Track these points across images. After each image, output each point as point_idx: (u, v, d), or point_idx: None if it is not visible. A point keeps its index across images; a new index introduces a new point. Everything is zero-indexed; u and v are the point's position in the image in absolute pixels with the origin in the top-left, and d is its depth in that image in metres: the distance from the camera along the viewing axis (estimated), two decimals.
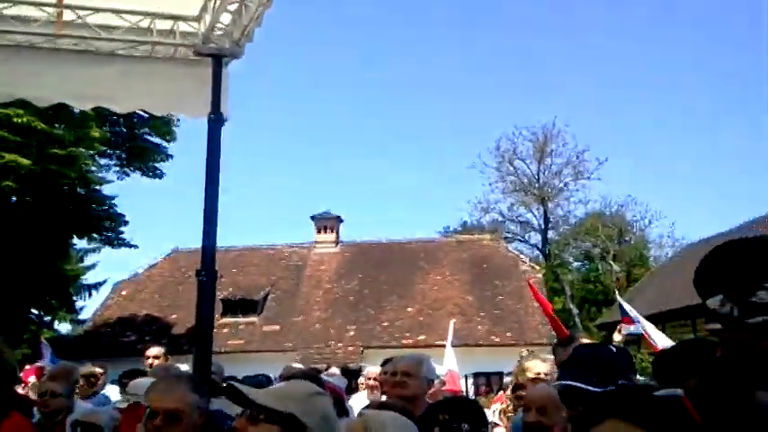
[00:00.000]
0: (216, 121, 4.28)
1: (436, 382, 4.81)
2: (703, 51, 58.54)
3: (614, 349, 2.35)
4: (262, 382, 4.17)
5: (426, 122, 65.84)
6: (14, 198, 18.24)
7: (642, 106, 61.31)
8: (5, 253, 17.23)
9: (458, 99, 62.68)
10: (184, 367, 5.32)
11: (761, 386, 1.40)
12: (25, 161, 16.46)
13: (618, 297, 10.58)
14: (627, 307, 9.80)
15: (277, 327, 23.01)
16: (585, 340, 4.61)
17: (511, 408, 4.59)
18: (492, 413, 5.20)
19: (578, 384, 2.14)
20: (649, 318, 25.31)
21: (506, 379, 7.57)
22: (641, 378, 4.37)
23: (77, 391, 5.58)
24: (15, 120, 16.05)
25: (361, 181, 65.93)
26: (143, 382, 4.71)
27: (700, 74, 59.62)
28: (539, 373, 4.51)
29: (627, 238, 40.52)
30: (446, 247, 27.80)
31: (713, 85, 59.84)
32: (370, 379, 6.36)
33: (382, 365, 4.34)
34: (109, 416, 4.31)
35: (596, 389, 2.08)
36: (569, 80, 61.20)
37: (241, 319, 23.04)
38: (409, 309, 23.53)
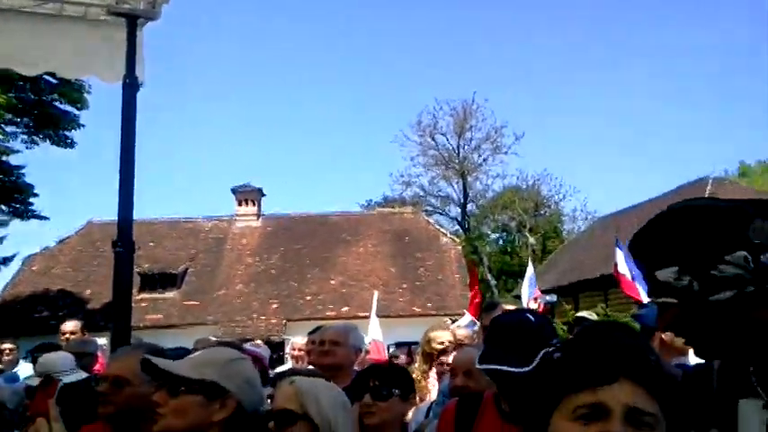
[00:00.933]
0: (131, 86, 4.11)
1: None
2: (620, 27, 60.55)
3: (533, 318, 2.28)
4: (181, 354, 4.11)
5: (349, 95, 65.59)
6: None
7: (561, 81, 62.97)
8: None
9: (381, 71, 62.66)
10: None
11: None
12: None
13: (530, 270, 10.93)
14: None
15: (197, 301, 22.65)
16: (509, 306, 4.74)
17: (420, 377, 4.68)
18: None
19: (501, 367, 2.11)
20: (563, 288, 26.38)
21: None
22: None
23: None
24: None
25: (282, 154, 65.21)
26: (53, 357, 4.58)
27: (613, 50, 61.66)
28: (443, 342, 4.65)
29: (542, 212, 41.83)
30: (368, 220, 27.95)
31: (627, 61, 62.00)
32: (295, 350, 6.40)
33: (310, 334, 4.35)
34: (11, 391, 4.16)
35: (520, 369, 2.04)
36: (490, 54, 62.14)
37: (160, 294, 22.56)
38: (332, 281, 23.60)
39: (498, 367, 2.12)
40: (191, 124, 65.76)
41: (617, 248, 9.54)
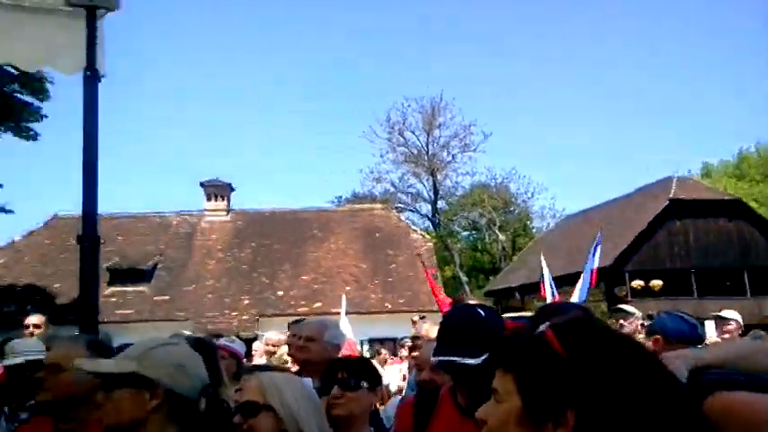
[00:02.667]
0: (92, 77, 4.08)
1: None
2: (590, 27, 61.21)
3: (482, 312, 2.32)
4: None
5: (319, 91, 65.38)
6: None
7: (527, 81, 63.49)
8: None
9: (352, 68, 62.59)
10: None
11: None
12: None
13: (546, 270, 10.44)
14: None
15: (167, 296, 22.45)
16: (471, 302, 4.80)
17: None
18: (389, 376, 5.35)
19: (450, 358, 2.17)
20: (531, 284, 26.57)
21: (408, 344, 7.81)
22: None
23: None
24: None
25: (251, 149, 64.82)
26: (27, 341, 4.55)
27: (583, 50, 62.33)
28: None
29: (511, 209, 42.22)
30: (339, 217, 27.92)
31: (596, 60, 62.73)
32: (268, 345, 6.39)
33: (291, 325, 4.36)
34: None
35: (470, 361, 2.11)
36: (457, 53, 62.43)
37: (129, 288, 22.33)
38: (304, 277, 23.56)
39: (449, 359, 2.18)
40: (160, 119, 65.08)
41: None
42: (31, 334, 5.69)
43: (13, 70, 17.10)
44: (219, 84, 63.91)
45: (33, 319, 6.03)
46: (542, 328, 1.21)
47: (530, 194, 42.01)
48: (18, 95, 19.88)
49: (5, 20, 4.24)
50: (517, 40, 63.22)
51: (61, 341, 2.64)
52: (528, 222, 43.35)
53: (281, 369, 2.80)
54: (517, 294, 30.20)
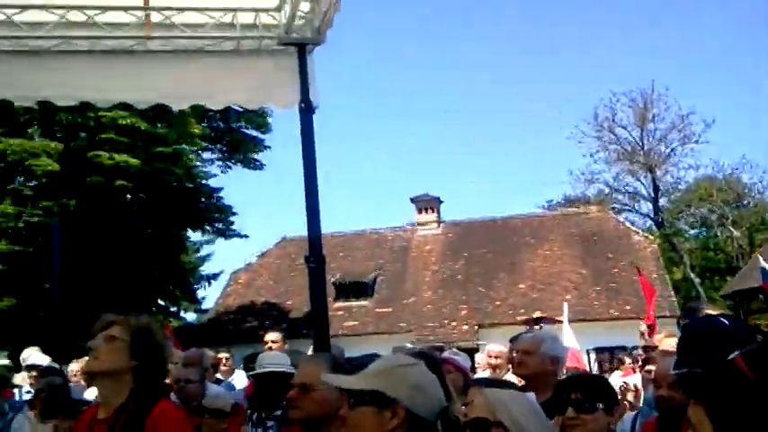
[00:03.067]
0: (306, 110, 4.35)
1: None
2: None
3: (727, 322, 2.17)
4: (364, 362, 4.23)
5: (518, 95, 64.44)
6: (129, 196, 19.35)
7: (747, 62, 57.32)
8: (126, 247, 18.28)
9: (550, 68, 60.90)
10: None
11: None
12: (134, 161, 17.43)
13: (760, 260, 9.55)
14: None
15: (389, 308, 23.30)
16: (710, 311, 4.39)
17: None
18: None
19: (684, 371, 2.06)
20: None
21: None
22: None
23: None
24: (120, 122, 17.02)
25: (456, 161, 65.36)
26: (265, 357, 4.94)
27: None
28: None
29: (745, 202, 38.21)
30: (551, 222, 27.15)
31: None
32: (491, 357, 6.31)
33: (510, 342, 4.31)
34: (234, 400, 4.51)
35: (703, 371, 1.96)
36: (663, 39, 58.04)
37: (354, 303, 23.48)
38: (521, 285, 23.22)
39: (681, 371, 2.08)
40: (370, 141, 68.11)
41: None
42: (270, 349, 6.25)
43: (238, 108, 19.05)
44: (422, 104, 65.57)
45: (271, 335, 6.74)
46: (732, 355, 1.20)
47: (766, 183, 37.79)
48: (244, 130, 22.05)
49: (228, 65, 4.69)
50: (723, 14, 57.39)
51: (308, 361, 2.88)
52: (766, 216, 38.94)
53: (508, 384, 2.73)
54: (761, 296, 27.18)
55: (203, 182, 21.68)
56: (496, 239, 25.57)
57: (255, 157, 22.41)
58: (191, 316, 28.00)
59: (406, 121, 64.60)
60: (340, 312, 22.31)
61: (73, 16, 4.33)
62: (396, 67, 66.47)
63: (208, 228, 22.51)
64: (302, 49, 4.48)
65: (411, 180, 69.29)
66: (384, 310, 23.31)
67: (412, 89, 67.50)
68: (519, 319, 20.54)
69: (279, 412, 4.22)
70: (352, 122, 65.37)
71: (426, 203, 27.45)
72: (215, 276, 25.25)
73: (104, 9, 4.36)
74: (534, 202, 43.74)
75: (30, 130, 17.98)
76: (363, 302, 23.63)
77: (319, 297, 4.27)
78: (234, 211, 22.18)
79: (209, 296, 27.23)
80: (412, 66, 66.05)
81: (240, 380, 6.94)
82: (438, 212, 27.51)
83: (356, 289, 23.80)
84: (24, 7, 4.27)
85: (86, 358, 2.59)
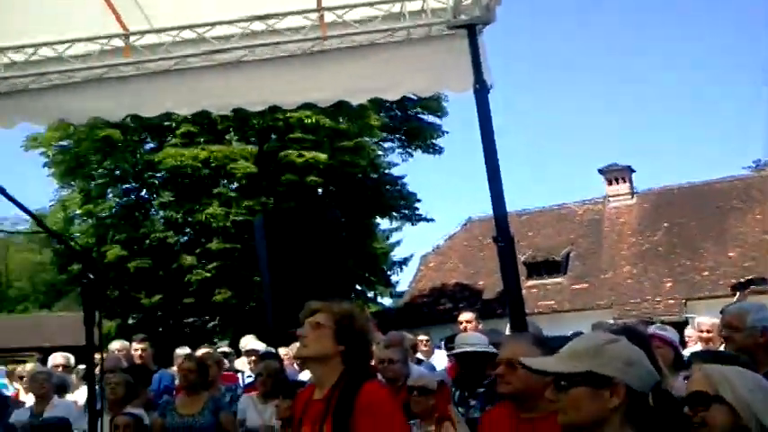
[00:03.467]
0: (481, 90, 4.29)
1: None
2: None
3: None
4: (561, 344, 4.14)
5: (702, 53, 58.94)
6: (320, 191, 20.39)
7: None
8: (323, 238, 19.26)
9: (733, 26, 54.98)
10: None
11: None
12: (322, 156, 18.38)
13: None
14: None
15: (585, 284, 22.57)
16: None
17: None
18: None
19: None
20: None
21: None
22: None
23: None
24: (306, 121, 18.04)
25: (644, 128, 61.44)
26: (465, 337, 5.04)
27: None
28: None
29: None
30: (761, 184, 24.56)
31: None
32: (703, 331, 5.94)
33: (721, 314, 4.03)
34: (441, 379, 4.64)
35: None
36: None
37: (547, 280, 23.04)
38: (731, 254, 21.38)
39: None
40: (551, 115, 66.08)
41: None
42: (465, 329, 6.35)
43: (414, 96, 19.41)
44: (604, 71, 62.20)
45: (465, 316, 6.85)
46: None
47: None
48: (421, 116, 22.43)
49: (400, 55, 4.77)
50: None
51: (513, 338, 3.03)
52: None
53: (734, 358, 2.56)
54: None
55: (386, 171, 22.35)
56: (699, 206, 23.69)
57: (434, 142, 22.74)
58: (386, 301, 28.97)
59: (591, 92, 61.92)
60: (534, 290, 21.99)
61: (255, 26, 4.65)
62: (579, 39, 63.87)
63: (395, 215, 23.15)
64: (472, 30, 4.43)
65: (596, 152, 66.45)
66: (580, 286, 22.61)
67: (598, 61, 64.47)
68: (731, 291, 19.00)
69: (481, 389, 4.27)
70: (527, 97, 63.88)
71: (617, 173, 26.08)
72: (405, 261, 25.90)
73: (282, 15, 4.63)
74: (739, 162, 39.92)
75: (227, 137, 19.58)
76: (557, 279, 23.10)
77: (511, 276, 4.23)
78: (418, 197, 22.65)
79: (402, 281, 28.03)
80: (589, 35, 63.10)
81: (440, 359, 7.10)
82: (630, 182, 26.07)
83: (548, 266, 23.31)
84: (213, 24, 4.66)
85: (295, 344, 2.81)
